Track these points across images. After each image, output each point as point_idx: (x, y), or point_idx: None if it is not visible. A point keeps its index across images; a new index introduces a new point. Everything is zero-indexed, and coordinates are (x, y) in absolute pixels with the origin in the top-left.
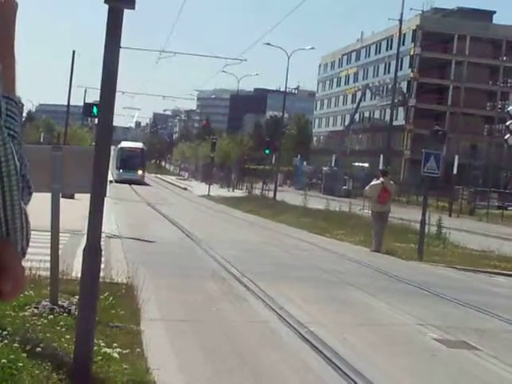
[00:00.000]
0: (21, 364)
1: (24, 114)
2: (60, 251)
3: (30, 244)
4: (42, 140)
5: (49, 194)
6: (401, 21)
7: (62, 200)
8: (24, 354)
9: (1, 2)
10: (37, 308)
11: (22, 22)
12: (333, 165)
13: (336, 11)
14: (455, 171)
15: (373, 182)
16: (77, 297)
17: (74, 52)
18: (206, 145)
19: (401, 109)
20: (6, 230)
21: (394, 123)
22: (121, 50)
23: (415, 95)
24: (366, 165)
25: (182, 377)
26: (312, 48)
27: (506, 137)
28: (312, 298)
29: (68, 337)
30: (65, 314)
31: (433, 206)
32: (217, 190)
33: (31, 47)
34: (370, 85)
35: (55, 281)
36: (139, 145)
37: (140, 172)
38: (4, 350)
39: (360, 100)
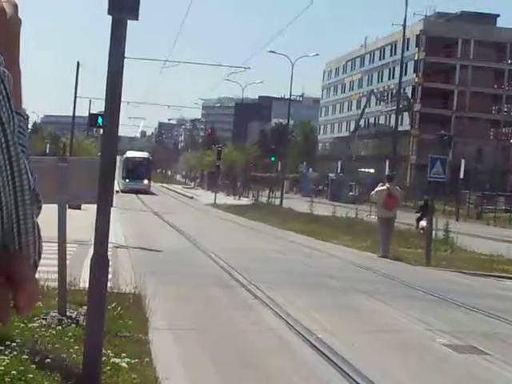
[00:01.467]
0: (30, 375)
1: (29, 126)
2: (67, 262)
3: None
4: (47, 151)
5: (55, 205)
6: (404, 26)
7: (68, 211)
8: (33, 366)
9: (6, 19)
10: (45, 319)
11: (25, 33)
12: (339, 171)
13: (339, 17)
14: (462, 175)
15: (378, 188)
16: (85, 307)
17: (78, 63)
18: (212, 153)
19: (406, 114)
20: (19, 244)
21: (400, 128)
22: (125, 59)
23: (420, 100)
24: (372, 170)
25: None
26: (316, 55)
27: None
28: (320, 305)
29: (76, 347)
30: (73, 325)
31: (440, 211)
32: (223, 199)
33: (35, 59)
34: (375, 90)
35: (63, 291)
36: (145, 154)
37: (146, 181)
38: (13, 362)
39: (365, 106)
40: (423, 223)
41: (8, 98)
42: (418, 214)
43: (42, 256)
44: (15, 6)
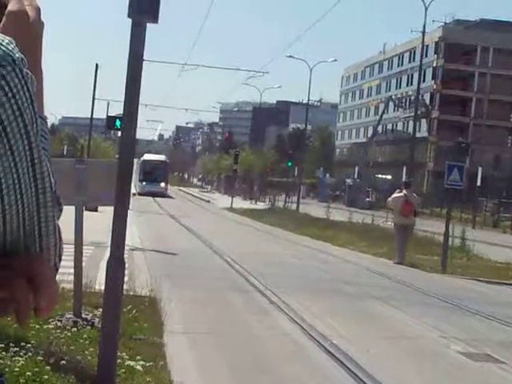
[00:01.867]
0: (45, 377)
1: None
2: (83, 264)
3: None
4: (65, 153)
5: (72, 207)
6: (423, 33)
7: (85, 213)
8: (48, 367)
9: (29, 22)
10: (60, 321)
11: (44, 34)
12: (356, 177)
13: (358, 24)
14: (479, 183)
15: (395, 194)
16: (100, 309)
17: (96, 65)
18: (229, 157)
19: (424, 121)
20: (40, 246)
21: (417, 135)
22: (144, 62)
23: (438, 107)
24: (389, 177)
25: None
26: (334, 60)
27: None
28: (335, 311)
29: (91, 349)
30: (88, 327)
31: (456, 218)
32: (239, 203)
33: (54, 60)
34: (393, 97)
35: (79, 293)
36: (162, 157)
37: (163, 184)
38: (28, 363)
39: (383, 112)
40: None
41: (31, 100)
42: None
43: None
44: (38, 10)
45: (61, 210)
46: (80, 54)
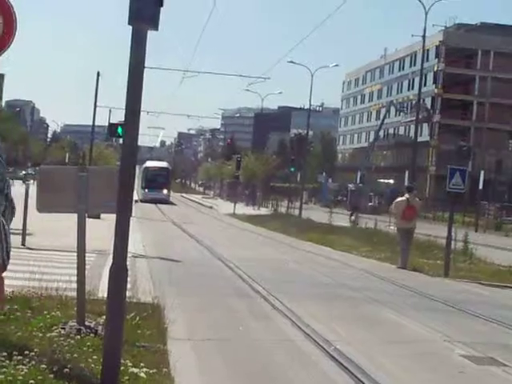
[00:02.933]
0: None
1: (49, 135)
2: (86, 271)
3: (57, 265)
4: (67, 160)
5: (75, 215)
6: (424, 37)
7: (87, 220)
8: (51, 375)
9: None
10: (64, 329)
11: (47, 44)
12: (358, 181)
13: (359, 28)
14: (481, 186)
15: (398, 199)
16: (103, 317)
17: (98, 73)
18: (231, 163)
19: (425, 125)
20: None
21: (419, 139)
22: (145, 69)
23: (439, 111)
24: (392, 181)
25: None
26: (336, 65)
27: None
28: (338, 316)
29: (95, 357)
30: (92, 335)
31: (459, 222)
32: (242, 209)
33: (55, 68)
34: (394, 101)
35: (82, 301)
36: (164, 164)
37: (165, 191)
38: (32, 371)
39: (384, 116)
40: (353, 218)
41: None
42: (351, 212)
43: (61, 266)
44: None
45: (13, 213)
46: (82, 61)
